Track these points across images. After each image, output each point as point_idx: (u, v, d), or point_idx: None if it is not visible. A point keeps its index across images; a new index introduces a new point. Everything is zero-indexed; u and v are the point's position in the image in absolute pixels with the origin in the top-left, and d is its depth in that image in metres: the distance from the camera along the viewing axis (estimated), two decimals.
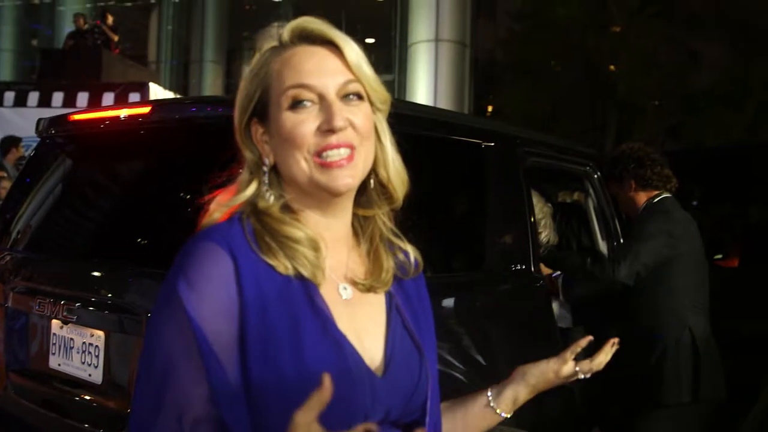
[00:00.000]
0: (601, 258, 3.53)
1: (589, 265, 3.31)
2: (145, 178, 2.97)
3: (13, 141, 9.31)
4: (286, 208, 1.19)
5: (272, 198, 1.19)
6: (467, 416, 1.47)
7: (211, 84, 24.80)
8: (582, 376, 1.55)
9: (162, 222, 2.63)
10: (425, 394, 1.22)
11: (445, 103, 15.59)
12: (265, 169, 1.20)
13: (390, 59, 19.62)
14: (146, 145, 2.89)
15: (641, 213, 3.48)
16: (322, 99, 1.16)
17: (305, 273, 1.14)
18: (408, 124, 2.70)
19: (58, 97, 12.24)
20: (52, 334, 2.76)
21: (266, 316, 1.09)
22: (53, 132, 3.26)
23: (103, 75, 13.47)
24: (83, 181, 3.26)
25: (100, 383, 2.57)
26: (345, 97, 1.17)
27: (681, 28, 20.87)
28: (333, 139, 1.15)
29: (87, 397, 2.63)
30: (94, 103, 11.71)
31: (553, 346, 3.18)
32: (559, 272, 3.53)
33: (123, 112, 2.86)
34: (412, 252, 1.31)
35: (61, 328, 2.72)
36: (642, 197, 3.50)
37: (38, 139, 3.38)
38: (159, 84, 14.95)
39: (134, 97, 12.11)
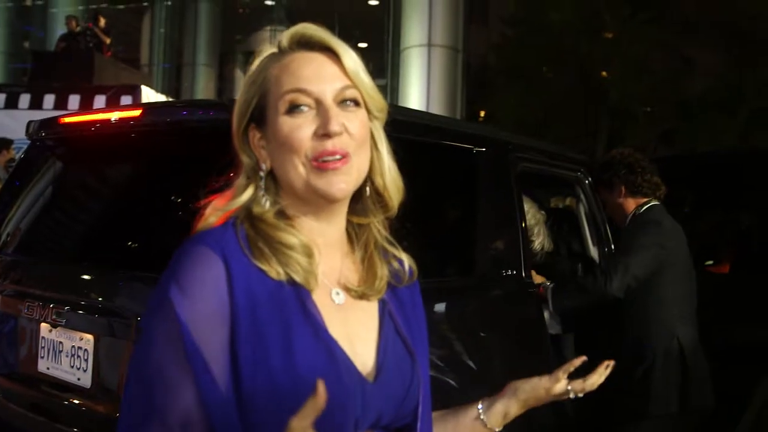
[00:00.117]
0: (592, 267, 3.51)
1: (580, 278, 3.29)
2: (136, 181, 2.96)
3: (3, 143, 9.28)
4: (281, 214, 1.19)
5: (268, 203, 1.19)
6: (458, 427, 1.47)
7: (203, 87, 24.78)
8: (573, 396, 1.53)
9: (151, 226, 2.63)
10: (417, 400, 1.22)
11: (437, 108, 15.58)
12: (262, 174, 1.20)
13: (382, 64, 19.62)
14: (137, 148, 2.88)
15: (631, 222, 3.47)
16: (319, 104, 1.16)
17: (298, 279, 1.14)
18: (399, 129, 2.69)
19: (49, 100, 12.24)
20: (40, 338, 2.75)
21: (257, 320, 1.09)
22: (44, 134, 3.25)
23: (94, 77, 13.48)
24: (73, 184, 3.24)
25: (89, 387, 2.55)
26: (342, 102, 1.18)
27: (674, 34, 20.96)
28: (329, 144, 1.15)
29: (76, 401, 2.61)
30: (86, 106, 11.72)
31: (543, 351, 3.19)
32: (549, 283, 3.52)
33: (114, 115, 2.85)
34: (407, 260, 1.31)
35: (50, 331, 2.70)
36: (631, 204, 3.49)
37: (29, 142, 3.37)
38: (151, 87, 14.95)
39: (126, 99, 12.11)
